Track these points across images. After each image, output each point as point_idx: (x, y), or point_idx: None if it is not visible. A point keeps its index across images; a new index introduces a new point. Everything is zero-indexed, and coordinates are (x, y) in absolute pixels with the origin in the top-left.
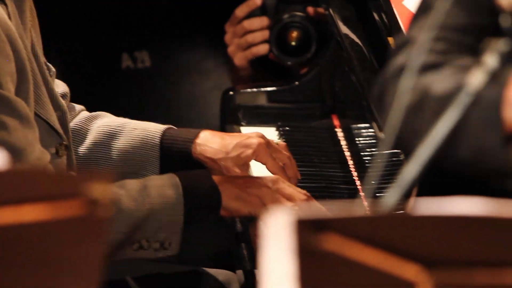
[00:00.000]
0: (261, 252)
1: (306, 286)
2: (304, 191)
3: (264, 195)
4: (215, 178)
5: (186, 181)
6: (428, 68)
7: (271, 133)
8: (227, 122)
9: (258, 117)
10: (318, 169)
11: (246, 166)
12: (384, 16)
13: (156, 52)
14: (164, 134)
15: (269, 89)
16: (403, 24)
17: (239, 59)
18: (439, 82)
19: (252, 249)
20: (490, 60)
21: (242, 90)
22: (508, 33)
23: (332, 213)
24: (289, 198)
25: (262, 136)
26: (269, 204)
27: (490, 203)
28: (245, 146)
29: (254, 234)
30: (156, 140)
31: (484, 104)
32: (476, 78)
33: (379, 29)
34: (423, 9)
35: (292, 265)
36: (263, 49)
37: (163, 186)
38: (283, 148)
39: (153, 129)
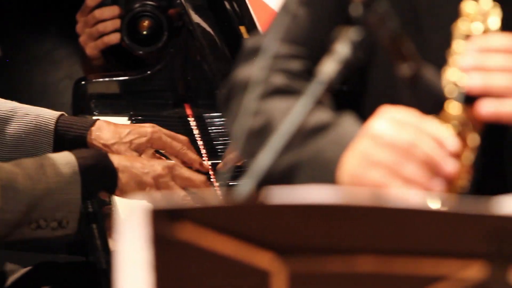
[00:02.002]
0: (116, 240)
1: (161, 275)
2: (203, 176)
3: (160, 179)
4: (114, 158)
5: (82, 160)
6: (277, 92)
7: (123, 123)
8: (79, 112)
9: (111, 107)
10: (171, 159)
11: (140, 153)
12: (235, 5)
13: (6, 41)
14: (58, 120)
15: (121, 78)
16: (254, 13)
17: (91, 48)
18: (285, 116)
19: (105, 235)
20: (341, 48)
21: (94, 80)
22: (358, 22)
23: (186, 202)
24: (186, 183)
25: (156, 126)
26: (163, 188)
27: (341, 191)
28: (138, 133)
29: (108, 219)
30: (51, 126)
31: (321, 161)
32: (328, 67)
33: (231, 18)
34: (283, 14)
35: (146, 254)
36: (115, 38)
37: (59, 165)
38: (179, 136)
39: (47, 115)
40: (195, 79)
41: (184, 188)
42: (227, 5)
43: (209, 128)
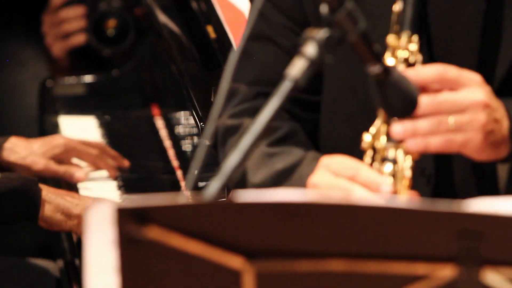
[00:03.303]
0: (84, 242)
1: (129, 275)
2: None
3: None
4: (44, 188)
5: (3, 183)
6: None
7: (90, 123)
8: (45, 112)
9: (77, 107)
10: (138, 160)
11: (61, 163)
12: (202, 5)
13: None
14: None
15: (88, 79)
16: (221, 12)
17: (57, 49)
18: (256, 169)
19: (71, 238)
20: (309, 49)
21: (60, 80)
22: (327, 22)
23: (155, 204)
24: None
25: (66, 137)
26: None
27: (310, 193)
28: (51, 144)
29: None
30: None
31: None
32: (296, 67)
33: (198, 18)
34: (244, 57)
35: (114, 254)
36: (81, 38)
37: None
38: (93, 143)
39: None
40: (162, 79)
41: None
42: (194, 5)
43: (176, 128)
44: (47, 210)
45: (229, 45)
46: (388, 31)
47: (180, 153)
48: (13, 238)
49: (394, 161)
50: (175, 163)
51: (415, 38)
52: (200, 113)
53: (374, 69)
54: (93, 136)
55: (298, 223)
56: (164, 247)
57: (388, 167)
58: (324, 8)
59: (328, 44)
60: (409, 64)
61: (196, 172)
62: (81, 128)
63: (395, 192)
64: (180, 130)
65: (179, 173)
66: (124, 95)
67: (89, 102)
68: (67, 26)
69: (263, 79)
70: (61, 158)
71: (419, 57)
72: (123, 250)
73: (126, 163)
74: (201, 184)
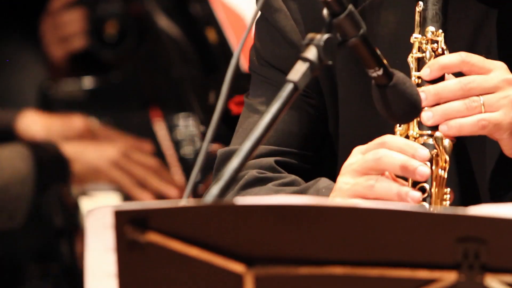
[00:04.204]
0: (84, 247)
1: (128, 281)
2: (155, 160)
3: (115, 164)
4: (66, 147)
5: (35, 153)
6: (256, 182)
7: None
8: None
9: (75, 110)
10: None
11: None
12: (200, 8)
13: None
14: None
15: (87, 81)
16: (219, 16)
17: (56, 52)
18: (266, 194)
19: (72, 245)
20: (311, 53)
21: (59, 83)
22: (328, 27)
23: (154, 207)
24: (142, 168)
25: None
26: (120, 173)
27: (310, 198)
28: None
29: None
30: None
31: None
32: (297, 71)
33: (196, 20)
34: (248, 115)
35: (115, 258)
36: (80, 41)
37: (12, 158)
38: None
39: None
40: (162, 82)
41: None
42: (192, 8)
43: (175, 131)
44: (75, 168)
45: (229, 48)
46: (412, 31)
47: (180, 157)
48: (13, 242)
49: (432, 147)
50: (175, 167)
51: (439, 32)
52: (200, 116)
53: (376, 73)
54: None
55: (298, 227)
56: (163, 252)
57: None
58: (325, 12)
59: (329, 48)
60: (437, 55)
61: (196, 177)
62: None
63: (433, 180)
64: (179, 133)
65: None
66: (123, 97)
67: (88, 104)
68: (67, 29)
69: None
70: None
71: (446, 50)
72: (122, 254)
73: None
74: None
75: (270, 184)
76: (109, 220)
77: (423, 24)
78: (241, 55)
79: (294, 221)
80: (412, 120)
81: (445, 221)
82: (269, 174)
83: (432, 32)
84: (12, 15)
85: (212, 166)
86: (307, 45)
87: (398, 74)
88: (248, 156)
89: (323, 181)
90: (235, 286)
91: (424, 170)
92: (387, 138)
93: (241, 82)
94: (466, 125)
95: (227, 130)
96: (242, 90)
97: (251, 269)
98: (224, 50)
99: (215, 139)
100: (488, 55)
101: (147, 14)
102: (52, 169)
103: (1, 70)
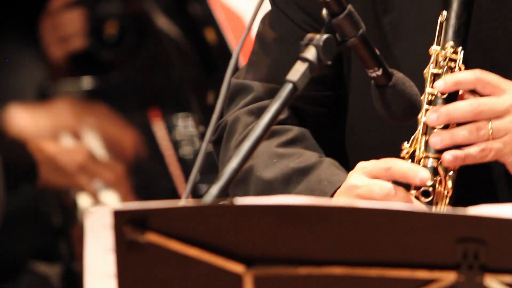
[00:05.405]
0: (83, 246)
1: (127, 281)
2: (121, 165)
3: (82, 167)
4: (34, 149)
5: (3, 154)
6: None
7: None
8: None
9: None
10: (136, 163)
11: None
12: (199, 8)
13: None
14: None
15: (86, 81)
16: (218, 15)
17: (56, 52)
18: (266, 165)
19: (70, 243)
20: (309, 53)
21: (58, 83)
22: (327, 27)
23: (153, 207)
24: (108, 170)
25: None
26: (86, 177)
27: (311, 199)
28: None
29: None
30: None
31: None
32: (296, 71)
33: (195, 21)
34: (260, 51)
35: (114, 258)
36: (80, 42)
37: None
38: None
39: None
40: (161, 82)
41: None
42: (191, 8)
43: (175, 131)
44: (43, 171)
45: (228, 49)
46: (432, 42)
47: (178, 157)
48: (13, 241)
49: (435, 171)
50: (174, 167)
51: (459, 49)
52: (199, 116)
53: (375, 73)
54: (91, 140)
55: (298, 227)
56: (163, 252)
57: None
58: (324, 12)
59: (328, 48)
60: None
61: (195, 176)
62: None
63: (435, 193)
64: (178, 134)
65: (178, 178)
66: (122, 97)
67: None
68: (66, 29)
69: (278, 77)
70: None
71: (463, 68)
72: (122, 255)
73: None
74: (200, 189)
75: (274, 142)
76: (108, 221)
77: (444, 37)
78: (240, 55)
79: (294, 221)
80: (411, 120)
81: (445, 221)
82: (273, 127)
83: (452, 47)
84: (12, 15)
85: (212, 166)
86: (306, 45)
87: (398, 75)
88: (248, 156)
89: (327, 167)
90: (235, 286)
91: (425, 175)
92: (390, 162)
93: None
94: (471, 155)
95: None
96: None
97: (250, 269)
98: (223, 50)
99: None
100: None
101: (147, 14)
102: (20, 169)
103: (0, 70)
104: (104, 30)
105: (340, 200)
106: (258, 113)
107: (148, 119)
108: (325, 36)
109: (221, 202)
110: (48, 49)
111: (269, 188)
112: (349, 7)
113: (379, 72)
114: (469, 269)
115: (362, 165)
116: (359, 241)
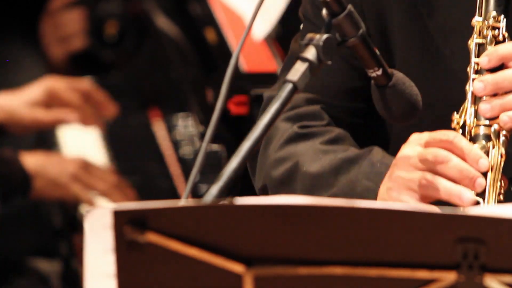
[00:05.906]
0: (83, 246)
1: (127, 280)
2: (115, 176)
3: (76, 178)
4: (28, 161)
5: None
6: (298, 137)
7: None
8: None
9: None
10: (136, 163)
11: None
12: (199, 8)
13: None
14: None
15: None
16: (218, 15)
17: (56, 52)
18: (312, 160)
19: (69, 240)
20: (310, 53)
21: None
22: (327, 27)
23: (153, 207)
24: (102, 181)
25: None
26: (81, 188)
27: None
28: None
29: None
30: None
31: (358, 191)
32: (296, 71)
33: (195, 20)
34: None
35: (114, 258)
36: (80, 41)
37: None
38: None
39: None
40: (161, 82)
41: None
42: (192, 8)
43: (175, 132)
44: (36, 183)
45: (228, 49)
46: (473, 15)
47: (178, 158)
48: (13, 239)
49: (488, 138)
50: (174, 167)
51: (501, 17)
52: (199, 116)
53: (375, 73)
54: (91, 139)
55: (298, 227)
56: (163, 252)
57: (481, 145)
58: (324, 12)
59: (328, 48)
60: (497, 42)
61: (195, 176)
62: (79, 131)
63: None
64: (179, 134)
65: (177, 178)
66: (122, 97)
67: None
68: (66, 29)
69: (313, 86)
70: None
71: (506, 35)
72: (122, 255)
73: (112, 109)
74: (200, 189)
75: (317, 141)
76: (108, 221)
77: (485, 7)
78: (240, 55)
79: (294, 221)
80: (411, 120)
81: (445, 222)
82: (312, 129)
83: (494, 17)
84: (12, 15)
85: (211, 166)
86: (307, 45)
87: (398, 75)
88: (248, 156)
89: (377, 152)
90: (235, 286)
91: (482, 182)
92: (453, 136)
93: (240, 82)
94: None
95: (226, 130)
96: (242, 90)
97: (250, 269)
98: (223, 50)
99: (215, 139)
100: None
101: (147, 14)
102: (12, 182)
103: (1, 70)
104: (104, 30)
105: (340, 200)
106: (295, 119)
107: (148, 119)
108: (325, 36)
109: (221, 202)
110: (48, 49)
111: (317, 181)
112: (349, 7)
113: (379, 72)
114: (469, 269)
115: (417, 137)
116: (359, 241)
